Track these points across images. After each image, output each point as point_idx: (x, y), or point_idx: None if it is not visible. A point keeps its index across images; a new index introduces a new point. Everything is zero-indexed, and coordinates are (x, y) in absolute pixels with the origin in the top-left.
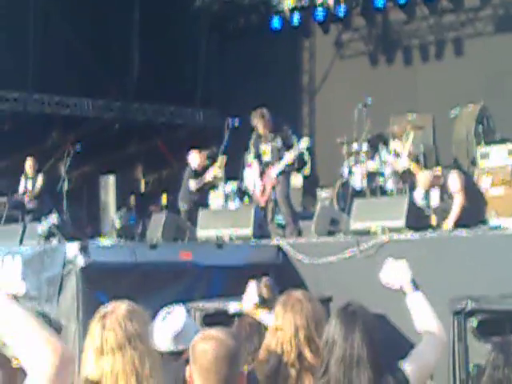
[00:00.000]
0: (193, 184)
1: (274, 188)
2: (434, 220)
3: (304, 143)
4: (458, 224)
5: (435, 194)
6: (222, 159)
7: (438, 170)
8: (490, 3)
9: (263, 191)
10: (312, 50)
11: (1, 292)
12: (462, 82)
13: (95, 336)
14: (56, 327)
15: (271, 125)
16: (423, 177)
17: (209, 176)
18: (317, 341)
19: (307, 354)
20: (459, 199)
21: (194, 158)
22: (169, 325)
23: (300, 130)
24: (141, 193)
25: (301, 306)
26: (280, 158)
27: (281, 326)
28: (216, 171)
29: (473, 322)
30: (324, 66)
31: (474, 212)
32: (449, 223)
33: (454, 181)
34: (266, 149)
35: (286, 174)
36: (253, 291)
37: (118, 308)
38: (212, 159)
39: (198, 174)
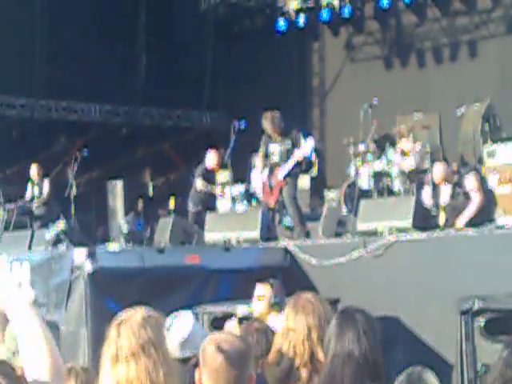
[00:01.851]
0: (199, 183)
1: (281, 189)
2: (442, 217)
3: (309, 144)
4: (467, 223)
5: (446, 191)
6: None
7: (454, 167)
8: (501, 4)
9: (272, 192)
10: (321, 52)
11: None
12: (474, 83)
13: (111, 343)
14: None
15: (281, 129)
16: (438, 169)
17: (218, 184)
18: None
19: (320, 354)
20: (477, 199)
21: (211, 157)
22: (175, 331)
23: (310, 132)
24: (149, 197)
25: (312, 307)
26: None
27: (293, 328)
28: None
29: (480, 322)
30: (334, 68)
31: (484, 212)
32: (462, 221)
33: (473, 180)
34: (275, 149)
35: (293, 175)
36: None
37: (134, 315)
38: (222, 161)
39: (208, 174)
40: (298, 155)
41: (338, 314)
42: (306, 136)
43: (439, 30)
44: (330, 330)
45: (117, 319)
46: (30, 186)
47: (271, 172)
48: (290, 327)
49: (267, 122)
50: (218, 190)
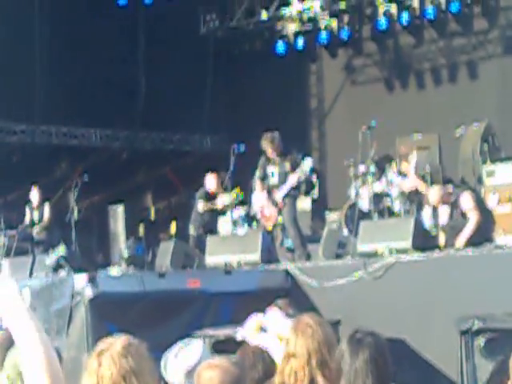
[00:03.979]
0: (201, 205)
1: (280, 211)
2: (442, 238)
3: (307, 164)
4: (467, 243)
5: (444, 212)
6: (236, 192)
7: (449, 189)
8: (497, 25)
9: (269, 214)
10: (320, 74)
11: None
12: (473, 103)
13: (92, 373)
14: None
15: (280, 149)
16: (433, 192)
17: (220, 203)
18: (330, 365)
19: (319, 379)
20: (475, 217)
21: (210, 181)
22: (182, 359)
23: (310, 153)
24: (151, 221)
25: (312, 331)
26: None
27: (293, 353)
28: (228, 199)
29: (480, 342)
30: (332, 90)
31: (482, 231)
32: (461, 240)
33: (468, 200)
34: (274, 171)
35: (291, 196)
36: (278, 315)
37: (114, 344)
38: (222, 185)
39: (210, 197)
40: (294, 180)
41: (348, 341)
42: (304, 157)
43: (436, 51)
44: (339, 355)
45: (96, 349)
46: (28, 209)
47: (269, 194)
48: (291, 352)
49: (267, 143)
50: (220, 202)
